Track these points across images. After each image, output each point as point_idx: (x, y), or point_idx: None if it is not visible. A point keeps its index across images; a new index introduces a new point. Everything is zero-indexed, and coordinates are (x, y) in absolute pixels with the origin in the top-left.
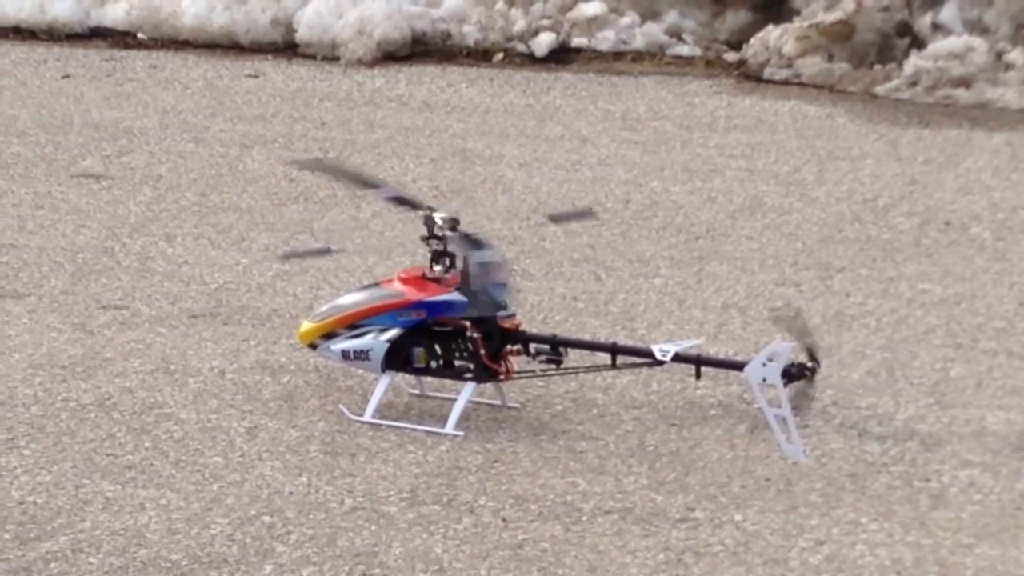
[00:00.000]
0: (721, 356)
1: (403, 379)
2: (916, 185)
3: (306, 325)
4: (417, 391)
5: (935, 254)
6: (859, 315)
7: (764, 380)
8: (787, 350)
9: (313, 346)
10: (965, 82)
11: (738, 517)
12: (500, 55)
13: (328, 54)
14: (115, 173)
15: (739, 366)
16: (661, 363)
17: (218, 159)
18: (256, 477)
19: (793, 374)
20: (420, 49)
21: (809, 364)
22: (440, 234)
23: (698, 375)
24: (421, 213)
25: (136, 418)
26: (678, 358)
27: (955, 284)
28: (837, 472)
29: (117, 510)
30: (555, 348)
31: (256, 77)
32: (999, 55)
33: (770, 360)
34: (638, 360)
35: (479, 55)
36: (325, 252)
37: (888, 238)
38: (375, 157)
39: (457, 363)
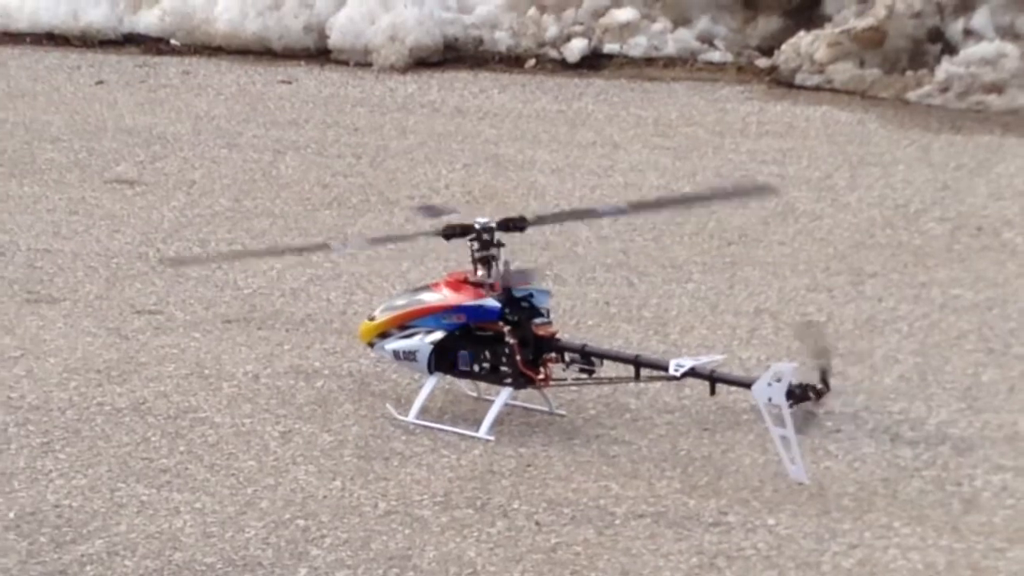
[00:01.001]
0: (733, 373)
1: (465, 384)
2: (948, 191)
3: (364, 324)
4: (475, 394)
5: (967, 259)
6: (891, 320)
7: (770, 400)
8: (791, 370)
9: (371, 344)
10: (997, 88)
11: (771, 521)
12: (532, 61)
13: (361, 60)
14: (148, 179)
15: (747, 384)
16: (675, 378)
17: (251, 165)
18: (290, 481)
19: (797, 395)
20: (452, 55)
21: (818, 386)
22: (485, 239)
23: (712, 391)
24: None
25: (171, 422)
26: (692, 373)
27: (987, 289)
28: (869, 476)
29: (152, 514)
30: (586, 357)
31: (289, 83)
32: None
33: (776, 380)
34: (657, 374)
35: (511, 61)
36: (453, 212)
37: (920, 243)
38: (408, 163)
39: (502, 368)
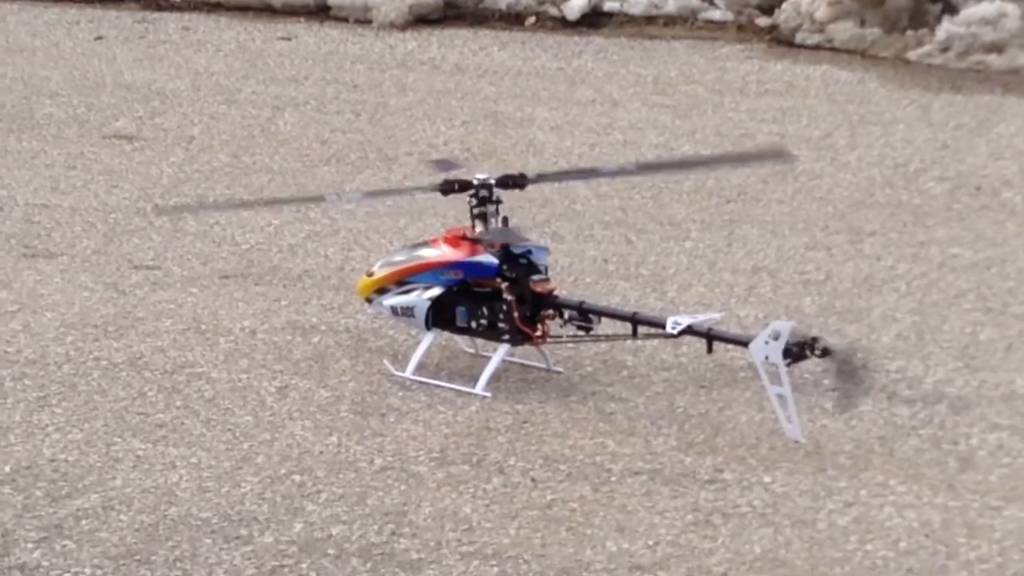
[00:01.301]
0: (730, 331)
1: (463, 340)
2: (947, 150)
3: (363, 280)
4: (473, 351)
5: (966, 219)
6: (889, 279)
7: (767, 358)
8: (789, 329)
9: (369, 300)
10: (997, 48)
11: (767, 479)
12: (532, 19)
13: (360, 17)
14: (147, 134)
15: (745, 342)
16: (672, 336)
17: (250, 121)
18: (286, 436)
19: (795, 354)
20: (452, 12)
21: (817, 347)
22: (483, 195)
23: (709, 349)
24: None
25: (167, 377)
26: (689, 331)
27: (986, 248)
28: (866, 435)
29: (148, 468)
30: (583, 315)
31: (288, 40)
32: None
33: (773, 338)
34: (654, 332)
35: (511, 19)
36: (461, 167)
37: (919, 203)
38: (407, 120)
39: (500, 325)
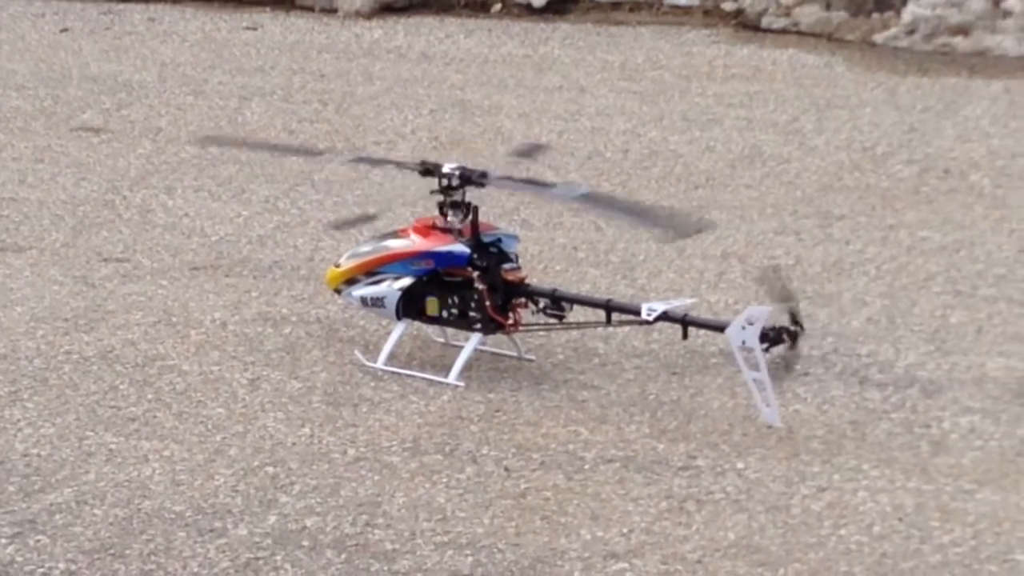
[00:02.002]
0: (705, 317)
1: (432, 329)
2: (915, 133)
3: (330, 270)
4: (443, 340)
5: (934, 202)
6: (859, 263)
7: (744, 343)
8: (765, 314)
9: (338, 291)
10: (963, 30)
11: (740, 465)
12: (498, 6)
13: (326, 6)
14: (114, 126)
15: (721, 328)
16: (648, 322)
17: (217, 111)
18: (259, 428)
19: (772, 338)
20: (418, 0)
21: (791, 328)
22: (452, 184)
23: (684, 335)
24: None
25: (139, 370)
26: (664, 317)
27: (954, 231)
28: (838, 419)
29: (120, 462)
30: (556, 303)
31: (254, 29)
32: (997, 3)
33: (749, 323)
34: (629, 318)
35: (477, 6)
36: (371, 219)
37: (887, 186)
38: (374, 108)
39: (471, 314)
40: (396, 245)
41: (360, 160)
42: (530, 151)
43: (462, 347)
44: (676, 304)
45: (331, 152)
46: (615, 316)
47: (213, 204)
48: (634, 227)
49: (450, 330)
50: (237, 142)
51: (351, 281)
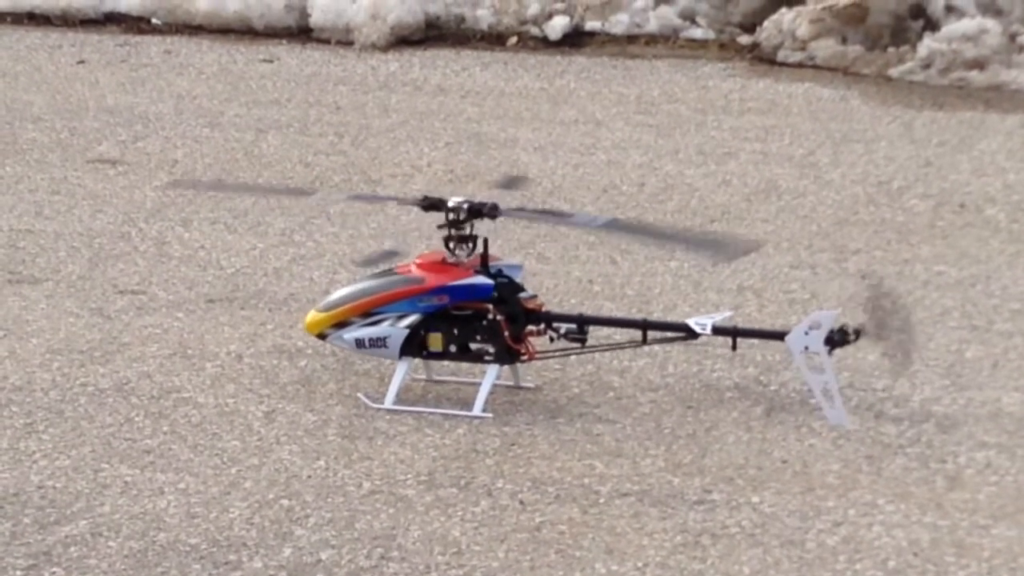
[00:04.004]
0: (758, 328)
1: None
2: (930, 167)
3: (313, 315)
4: (423, 376)
5: (950, 236)
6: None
7: (806, 348)
8: (830, 318)
9: (322, 336)
10: (979, 64)
11: (755, 499)
12: (514, 39)
13: (342, 38)
14: (131, 158)
15: (779, 336)
16: (698, 336)
17: (233, 144)
18: (274, 461)
19: (836, 341)
20: (434, 33)
21: (852, 330)
22: (460, 218)
23: (734, 347)
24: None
25: (154, 402)
26: (717, 331)
27: (970, 266)
28: (854, 454)
29: (136, 494)
30: (581, 327)
31: (270, 62)
32: (1013, 37)
33: (813, 328)
34: (672, 335)
35: (493, 39)
36: (395, 255)
37: (903, 220)
38: (390, 141)
39: (474, 346)
40: (401, 283)
41: (356, 198)
42: (511, 183)
43: (447, 381)
44: (719, 317)
45: (324, 192)
46: (653, 335)
47: (229, 236)
48: (671, 251)
49: (434, 365)
50: (215, 185)
51: (341, 324)
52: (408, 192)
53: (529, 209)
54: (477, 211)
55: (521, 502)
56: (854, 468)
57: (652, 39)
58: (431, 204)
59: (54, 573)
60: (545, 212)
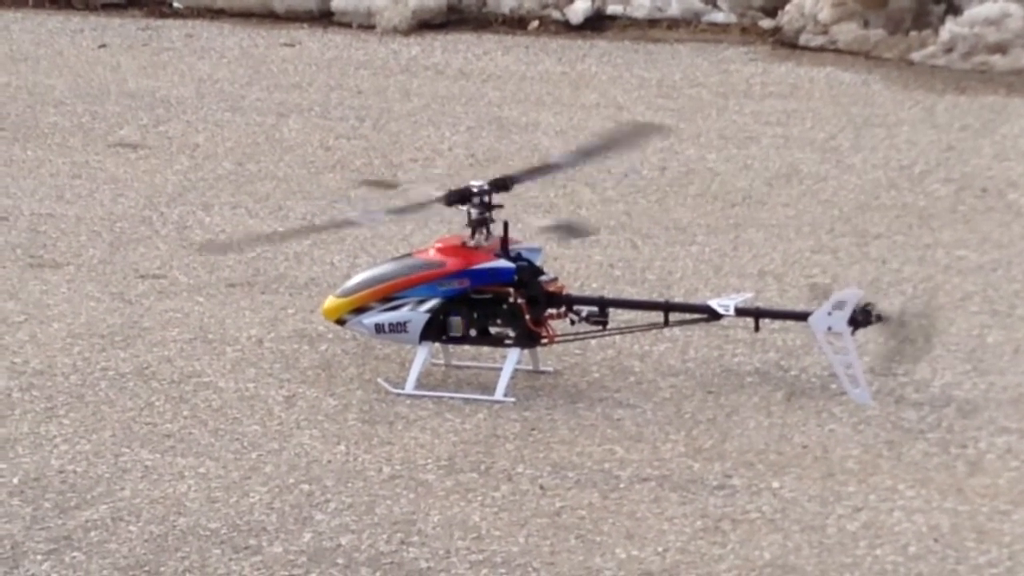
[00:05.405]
0: (782, 308)
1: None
2: (952, 152)
3: (332, 301)
4: (442, 362)
5: (971, 220)
6: (895, 282)
7: (830, 328)
8: (855, 298)
9: (340, 321)
10: (1001, 48)
11: (775, 484)
12: (535, 23)
13: (364, 22)
14: (152, 142)
15: (803, 316)
16: (720, 318)
17: (255, 128)
18: (294, 446)
19: (859, 321)
20: (455, 17)
21: (876, 312)
22: (481, 201)
23: (757, 327)
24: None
25: (175, 387)
26: (739, 312)
27: (992, 250)
28: (874, 439)
29: (156, 479)
30: (603, 310)
31: (292, 46)
32: None
33: (836, 308)
34: (694, 317)
35: (514, 23)
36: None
37: (924, 205)
38: (411, 125)
39: (493, 330)
40: (421, 266)
41: (392, 212)
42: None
43: (466, 366)
44: (739, 299)
45: (363, 213)
46: (675, 316)
47: (250, 221)
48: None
49: (452, 350)
50: (249, 242)
51: (360, 309)
52: (429, 175)
53: (530, 170)
54: (502, 185)
55: (541, 487)
56: (874, 453)
57: (674, 23)
58: (457, 198)
59: (75, 558)
60: (540, 169)
